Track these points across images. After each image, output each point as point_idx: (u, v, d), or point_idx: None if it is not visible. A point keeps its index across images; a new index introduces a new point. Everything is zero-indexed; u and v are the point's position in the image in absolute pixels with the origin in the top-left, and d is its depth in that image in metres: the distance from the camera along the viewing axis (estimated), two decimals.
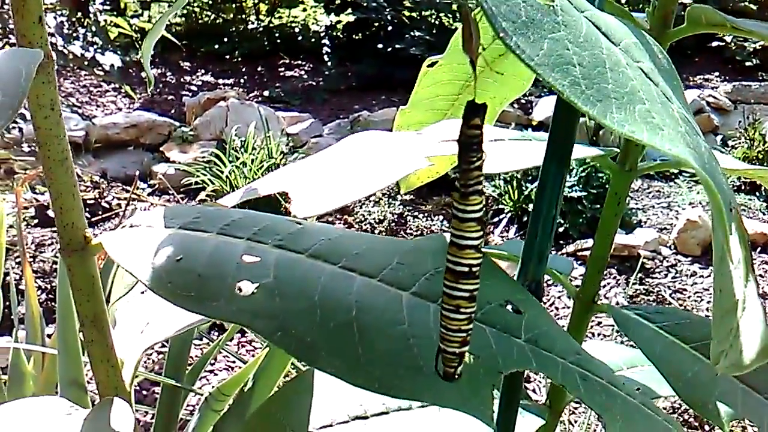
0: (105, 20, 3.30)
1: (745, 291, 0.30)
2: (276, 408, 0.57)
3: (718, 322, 0.31)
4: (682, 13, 0.54)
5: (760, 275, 2.96)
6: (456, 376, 0.30)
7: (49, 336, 1.33)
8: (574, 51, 0.24)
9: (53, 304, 2.60)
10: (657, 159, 0.60)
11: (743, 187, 3.68)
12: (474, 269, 0.29)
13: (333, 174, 0.48)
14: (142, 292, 0.52)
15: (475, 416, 0.29)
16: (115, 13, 4.05)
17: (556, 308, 2.61)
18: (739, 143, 3.97)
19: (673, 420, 0.36)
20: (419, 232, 3.19)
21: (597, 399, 0.32)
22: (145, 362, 2.28)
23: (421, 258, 0.38)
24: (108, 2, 4.47)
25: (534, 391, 2.06)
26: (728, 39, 5.25)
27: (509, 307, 0.37)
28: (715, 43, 5.31)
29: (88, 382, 1.01)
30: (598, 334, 2.45)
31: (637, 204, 3.51)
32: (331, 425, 0.55)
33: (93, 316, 0.41)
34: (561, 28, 0.24)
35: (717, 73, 5.12)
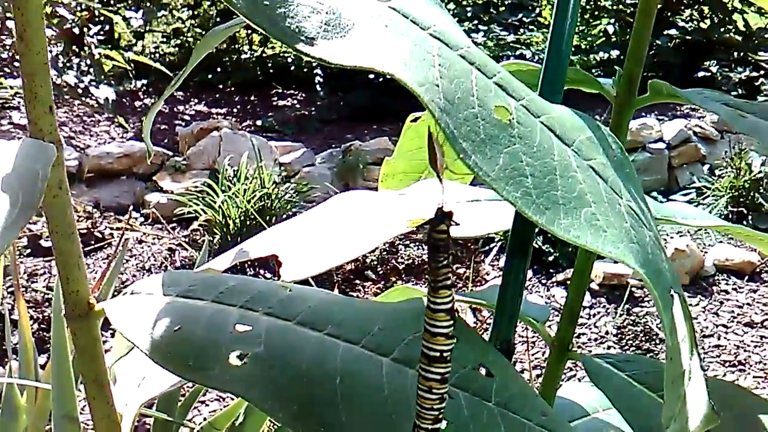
0: (99, 53, 3.34)
1: (690, 363, 0.33)
2: None
3: (669, 387, 0.34)
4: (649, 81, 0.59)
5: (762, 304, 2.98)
6: None
7: (42, 366, 1.34)
8: (527, 162, 0.27)
9: (45, 333, 2.60)
10: None
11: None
12: (445, 354, 0.32)
13: (319, 237, 0.52)
14: None
15: None
16: (109, 45, 4.10)
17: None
18: (726, 173, 4.02)
19: None
20: (410, 261, 3.22)
21: None
22: None
23: (401, 322, 0.41)
24: (102, 33, 4.52)
25: None
26: (714, 69, 5.34)
27: (482, 370, 0.40)
28: (701, 74, 5.39)
29: (81, 412, 1.03)
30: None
31: None
32: None
33: (95, 376, 0.44)
34: (516, 141, 0.27)
35: None
